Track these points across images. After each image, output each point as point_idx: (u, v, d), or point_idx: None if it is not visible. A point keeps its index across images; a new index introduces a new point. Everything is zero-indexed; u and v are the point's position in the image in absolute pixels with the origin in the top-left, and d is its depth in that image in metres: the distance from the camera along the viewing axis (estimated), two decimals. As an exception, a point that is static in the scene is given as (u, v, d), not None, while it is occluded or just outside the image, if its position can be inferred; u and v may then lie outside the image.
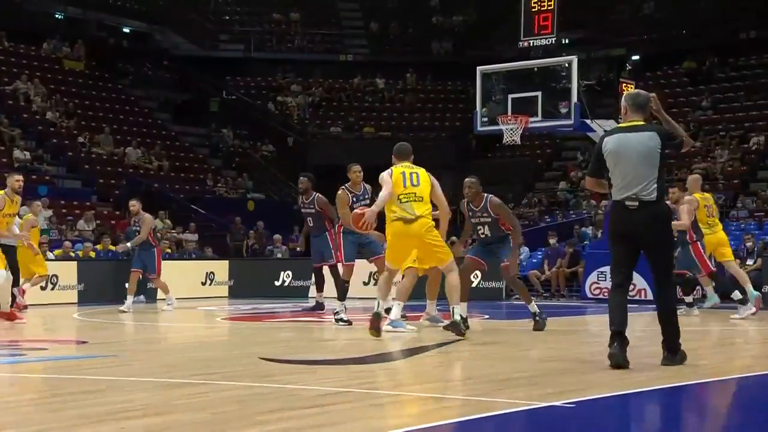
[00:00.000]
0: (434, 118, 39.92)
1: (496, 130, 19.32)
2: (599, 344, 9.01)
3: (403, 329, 12.07)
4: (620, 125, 8.77)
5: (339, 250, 14.60)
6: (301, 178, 17.07)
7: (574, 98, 18.50)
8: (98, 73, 36.08)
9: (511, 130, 18.69)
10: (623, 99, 8.69)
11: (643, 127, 8.38)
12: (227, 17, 41.85)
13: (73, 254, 23.15)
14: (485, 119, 19.24)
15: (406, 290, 12.10)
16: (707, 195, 16.63)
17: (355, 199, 13.77)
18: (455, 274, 11.32)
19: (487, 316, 16.63)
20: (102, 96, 34.95)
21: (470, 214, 12.93)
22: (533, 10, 19.09)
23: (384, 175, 11.20)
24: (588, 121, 19.94)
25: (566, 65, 18.73)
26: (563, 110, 18.68)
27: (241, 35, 40.88)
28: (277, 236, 27.19)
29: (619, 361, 7.96)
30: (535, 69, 19.12)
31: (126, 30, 39.29)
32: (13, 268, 16.56)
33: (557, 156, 38.06)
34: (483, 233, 12.76)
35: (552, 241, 23.41)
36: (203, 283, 24.06)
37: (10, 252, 15.70)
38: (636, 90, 9.44)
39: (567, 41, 41.70)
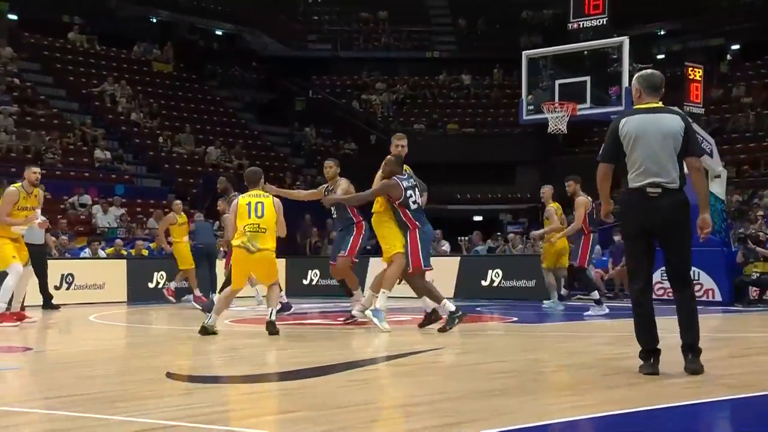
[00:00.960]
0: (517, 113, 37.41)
1: (543, 119, 17.01)
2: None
3: (379, 324, 10.90)
4: (639, 106, 7.19)
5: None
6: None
7: (625, 83, 16.08)
8: (186, 74, 34.80)
9: (557, 118, 16.41)
10: (635, 80, 7.28)
11: (665, 110, 7.14)
12: (316, 17, 40.16)
13: (125, 252, 21.55)
14: (531, 107, 16.99)
15: (393, 278, 11.10)
16: None
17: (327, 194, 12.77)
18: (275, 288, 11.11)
19: (515, 319, 14.50)
20: (188, 97, 33.64)
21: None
22: (582, -10, 16.76)
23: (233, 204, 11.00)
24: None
25: (617, 47, 16.23)
26: (613, 96, 16.25)
27: (329, 35, 39.18)
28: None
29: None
30: (585, 53, 16.74)
31: (217, 32, 37.93)
32: (42, 269, 15.20)
33: (644, 149, 35.30)
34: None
35: (617, 238, 20.89)
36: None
37: (38, 252, 14.31)
38: (650, 70, 7.51)
39: (663, 32, 39.28)
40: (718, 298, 17.65)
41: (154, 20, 36.50)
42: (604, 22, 16.60)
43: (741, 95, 33.91)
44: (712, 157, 18.50)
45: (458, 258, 21.73)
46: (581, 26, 16.82)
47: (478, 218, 33.52)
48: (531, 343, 10.91)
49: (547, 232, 16.00)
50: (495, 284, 19.86)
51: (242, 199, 10.70)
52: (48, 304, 16.27)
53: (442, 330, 10.78)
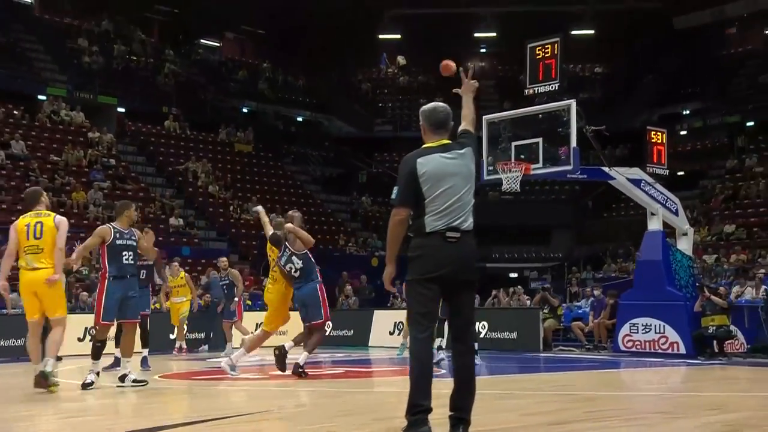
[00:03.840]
0: (555, 183, 34.92)
1: (500, 179, 14.79)
2: None
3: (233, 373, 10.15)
4: (430, 145, 5.49)
5: None
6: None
7: (573, 143, 13.89)
8: (263, 153, 33.52)
9: (511, 178, 14.20)
10: (420, 116, 5.65)
11: (457, 146, 5.49)
12: (381, 104, 38.64)
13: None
14: (491, 168, 14.76)
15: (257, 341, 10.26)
16: None
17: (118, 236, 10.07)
18: (59, 330, 8.83)
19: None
20: (262, 172, 32.39)
21: None
22: (537, 57, 14.62)
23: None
24: (606, 169, 15.21)
25: (566, 110, 13.97)
26: (563, 156, 13.97)
27: (391, 118, 37.59)
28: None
29: None
30: (540, 116, 14.49)
31: (298, 119, 36.69)
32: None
33: (667, 213, 32.47)
34: None
35: (596, 292, 18.38)
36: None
37: None
38: (433, 104, 5.70)
39: (687, 112, 36.62)
40: (683, 351, 15.08)
41: (245, 110, 35.47)
42: (556, 88, 14.42)
43: (753, 165, 31.25)
44: (678, 216, 16.01)
45: (449, 311, 19.43)
46: (536, 91, 14.62)
47: (513, 275, 31.11)
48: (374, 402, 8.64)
49: None
50: (481, 335, 17.54)
51: (22, 221, 8.96)
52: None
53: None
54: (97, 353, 9.31)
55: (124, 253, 9.43)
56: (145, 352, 12.61)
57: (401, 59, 39.64)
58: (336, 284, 24.76)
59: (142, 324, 12.09)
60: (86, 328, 16.68)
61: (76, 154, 27.57)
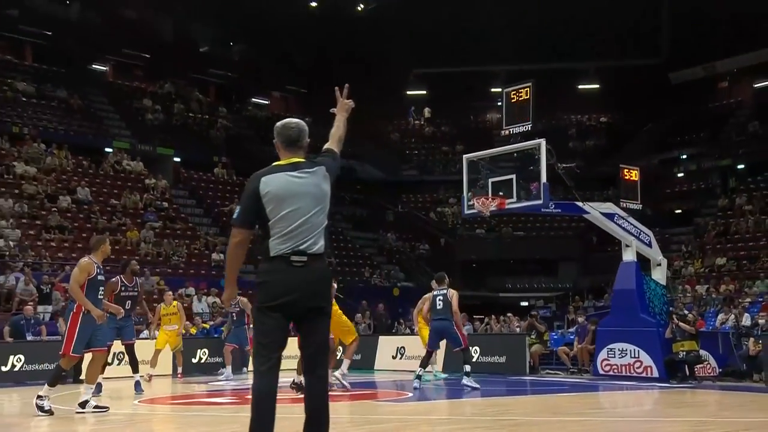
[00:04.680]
0: (563, 219, 33.68)
1: (478, 214, 13.84)
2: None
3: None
4: (279, 163, 4.58)
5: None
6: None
7: (543, 179, 12.93)
8: (301, 196, 32.86)
9: (484, 212, 13.27)
10: (274, 133, 4.68)
11: (310, 165, 4.55)
12: (407, 151, 37.86)
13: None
14: (471, 203, 13.83)
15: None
16: None
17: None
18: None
19: (409, 395, 11.02)
20: (298, 212, 31.66)
21: None
22: (512, 101, 13.73)
23: None
24: (579, 204, 14.19)
25: (536, 148, 13.04)
26: (534, 191, 13.00)
27: (417, 163, 36.79)
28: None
29: None
30: (515, 154, 13.57)
31: (336, 166, 36.05)
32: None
33: (665, 248, 30.98)
34: None
35: (580, 319, 17.23)
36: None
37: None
38: (286, 120, 4.78)
39: (684, 156, 35.33)
40: (656, 374, 13.85)
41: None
42: (529, 128, 13.47)
43: (743, 203, 29.94)
44: (651, 248, 14.87)
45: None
46: (511, 132, 13.71)
47: (524, 303, 29.87)
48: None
49: None
50: (474, 360, 16.45)
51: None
52: None
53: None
54: (56, 382, 8.42)
55: (100, 288, 8.71)
56: (137, 376, 11.71)
57: (427, 111, 39.05)
58: (356, 311, 23.95)
59: (130, 351, 11.42)
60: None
61: (133, 198, 27.27)
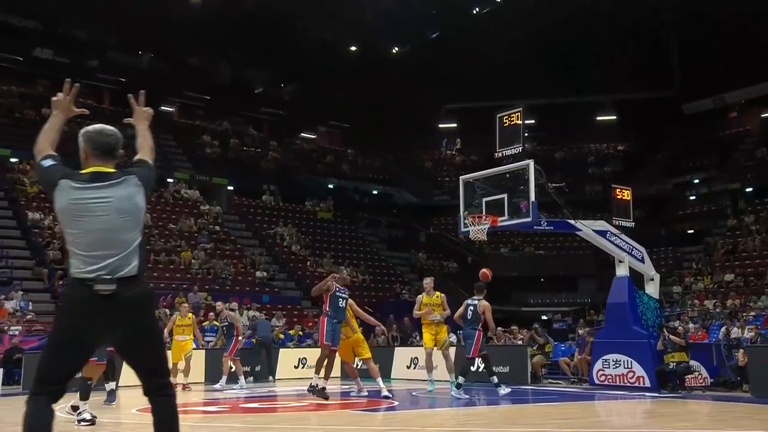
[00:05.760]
0: (582, 239, 32.34)
1: (475, 233, 13.06)
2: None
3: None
4: (82, 171, 3.52)
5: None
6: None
7: (532, 198, 12.15)
8: (341, 219, 32.40)
9: (479, 229, 12.48)
10: (84, 138, 3.61)
11: (119, 175, 3.51)
12: (439, 178, 37.11)
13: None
14: (467, 221, 13.08)
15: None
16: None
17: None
18: None
19: (396, 403, 10.24)
20: (337, 234, 31.21)
21: None
22: (505, 125, 13.00)
23: None
24: (572, 221, 13.32)
25: (526, 169, 12.27)
26: (524, 210, 12.21)
27: (448, 189, 35.91)
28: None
29: None
30: (507, 175, 12.80)
31: (373, 192, 35.56)
32: None
33: (678, 266, 29.66)
34: None
35: (581, 331, 16.21)
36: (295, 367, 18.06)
37: None
38: (100, 125, 3.74)
39: (697, 180, 33.88)
40: (647, 384, 12.81)
41: (330, 186, 34.63)
42: (520, 150, 12.70)
43: (751, 223, 28.52)
44: (644, 263, 13.89)
45: (453, 349, 17.50)
46: (504, 154, 12.96)
47: (545, 317, 28.72)
48: None
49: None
50: (479, 369, 15.61)
51: None
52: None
53: None
54: (86, 393, 7.79)
55: None
56: (113, 385, 10.38)
57: (458, 142, 38.39)
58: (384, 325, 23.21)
59: (109, 359, 10.51)
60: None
61: (188, 223, 27.18)
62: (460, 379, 11.46)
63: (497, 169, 12.89)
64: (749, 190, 31.23)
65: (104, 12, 29.58)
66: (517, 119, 12.65)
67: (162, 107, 34.61)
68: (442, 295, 11.71)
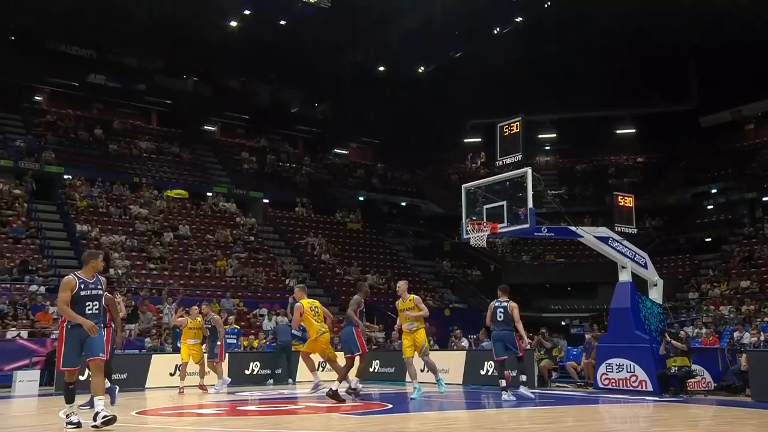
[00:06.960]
0: (600, 248, 31.51)
1: (476, 240, 12.59)
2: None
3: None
4: None
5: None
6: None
7: (530, 204, 11.66)
8: (369, 230, 32.07)
9: (479, 236, 12.02)
10: None
11: None
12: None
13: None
14: (468, 228, 12.62)
15: None
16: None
17: (83, 286, 7.48)
18: None
19: (389, 406, 9.78)
20: (366, 244, 30.86)
21: None
22: (505, 134, 12.55)
23: None
24: (573, 228, 12.77)
25: (524, 176, 11.80)
26: (522, 216, 11.72)
27: (472, 201, 35.41)
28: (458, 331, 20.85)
29: None
30: (507, 183, 12.33)
31: (402, 203, 35.17)
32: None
33: (695, 273, 28.57)
34: None
35: (588, 336, 15.55)
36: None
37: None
38: None
39: (715, 190, 32.74)
40: (650, 388, 12.15)
41: (360, 198, 34.37)
42: (520, 158, 12.22)
43: (767, 231, 27.07)
44: (647, 269, 13.25)
45: (465, 352, 16.97)
46: (504, 162, 12.50)
47: (564, 323, 27.93)
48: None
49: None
50: (489, 373, 15.10)
51: None
52: None
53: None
54: (69, 396, 7.31)
55: (87, 304, 7.27)
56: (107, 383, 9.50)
57: (483, 156, 37.75)
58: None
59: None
60: (176, 365, 14.93)
61: (224, 233, 27.17)
62: (522, 378, 11.05)
63: (497, 177, 12.44)
64: (766, 199, 30.07)
65: (151, 40, 29.96)
66: (516, 128, 12.18)
67: (205, 126, 34.93)
68: (416, 296, 11.30)
